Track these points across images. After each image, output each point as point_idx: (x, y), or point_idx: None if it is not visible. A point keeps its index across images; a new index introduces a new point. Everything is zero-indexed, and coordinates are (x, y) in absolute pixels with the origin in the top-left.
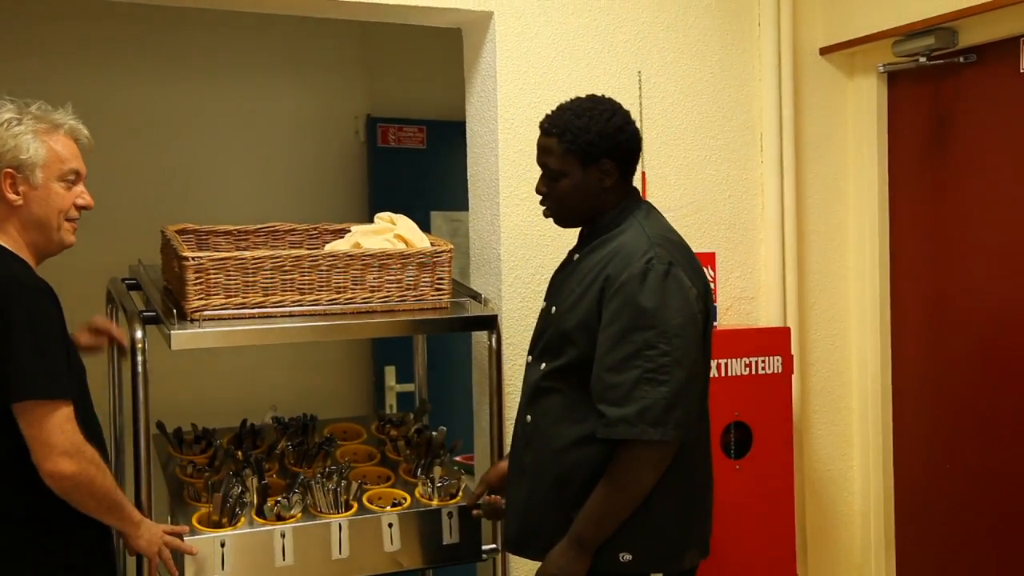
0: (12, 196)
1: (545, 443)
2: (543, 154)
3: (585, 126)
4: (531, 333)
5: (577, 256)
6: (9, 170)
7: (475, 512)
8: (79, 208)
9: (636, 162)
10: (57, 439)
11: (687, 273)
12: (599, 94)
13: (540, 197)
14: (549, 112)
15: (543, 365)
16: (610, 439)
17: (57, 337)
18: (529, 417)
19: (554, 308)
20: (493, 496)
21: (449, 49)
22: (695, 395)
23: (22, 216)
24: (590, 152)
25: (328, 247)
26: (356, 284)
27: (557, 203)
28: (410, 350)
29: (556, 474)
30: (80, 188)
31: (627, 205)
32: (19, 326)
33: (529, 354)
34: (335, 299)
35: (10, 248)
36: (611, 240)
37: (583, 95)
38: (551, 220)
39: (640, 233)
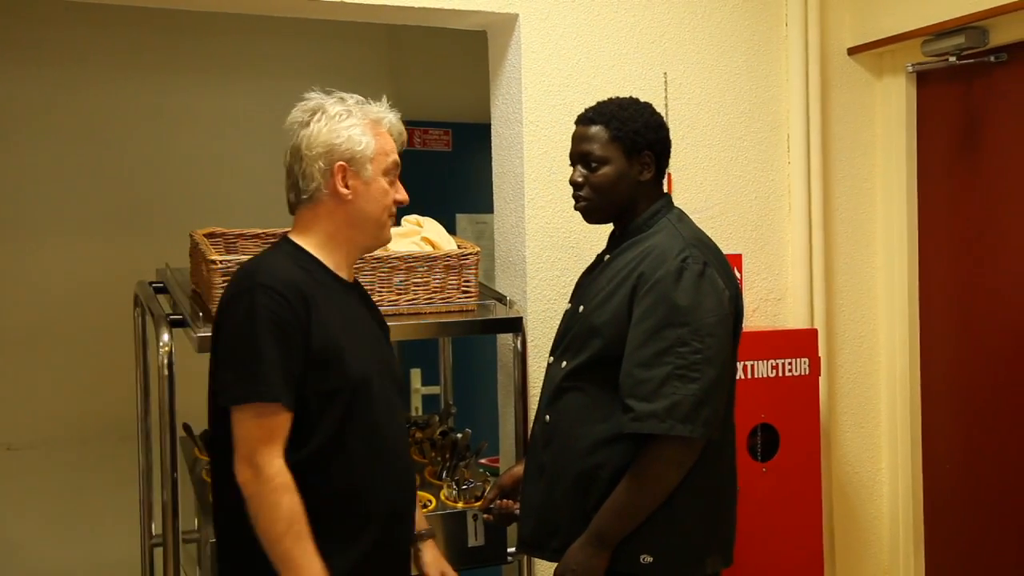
0: (343, 190)
1: (565, 442)
2: (584, 142)
3: (631, 116)
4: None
5: (607, 257)
6: (342, 163)
7: (486, 516)
8: (397, 203)
9: (667, 164)
10: None
11: (721, 275)
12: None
13: (573, 189)
14: (587, 107)
15: (564, 363)
16: (637, 433)
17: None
18: (548, 417)
19: (581, 307)
20: (505, 500)
21: (474, 51)
22: (724, 396)
23: (349, 211)
24: (636, 141)
25: None
26: (383, 286)
27: (595, 192)
28: (435, 352)
29: (577, 473)
30: (398, 183)
31: (659, 208)
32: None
33: (551, 354)
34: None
35: (307, 247)
36: (643, 241)
37: (610, 96)
38: (579, 216)
39: (674, 234)
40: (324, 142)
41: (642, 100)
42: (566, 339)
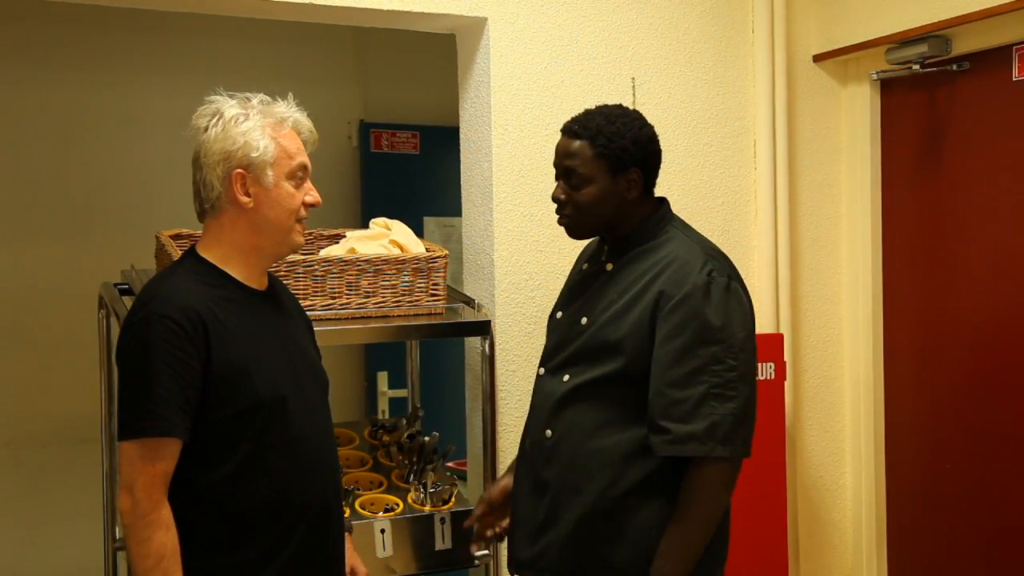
0: (244, 199)
1: (573, 459)
2: (567, 158)
3: (619, 132)
4: (524, 338)
5: (611, 266)
6: (240, 171)
7: (482, 550)
8: (308, 206)
9: (657, 175)
10: None
11: (741, 286)
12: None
13: (556, 205)
14: (573, 116)
15: (567, 378)
16: (677, 456)
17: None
18: (550, 432)
19: (584, 319)
20: (492, 519)
21: (443, 54)
22: (756, 411)
23: (252, 219)
24: (622, 159)
25: (323, 252)
26: (351, 289)
27: (578, 211)
28: (403, 355)
29: (589, 490)
30: (308, 185)
31: (663, 214)
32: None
33: (542, 366)
34: (330, 304)
35: (213, 260)
36: (653, 251)
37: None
38: (548, 219)
39: (689, 244)
40: (220, 149)
41: (630, 109)
42: (566, 351)
